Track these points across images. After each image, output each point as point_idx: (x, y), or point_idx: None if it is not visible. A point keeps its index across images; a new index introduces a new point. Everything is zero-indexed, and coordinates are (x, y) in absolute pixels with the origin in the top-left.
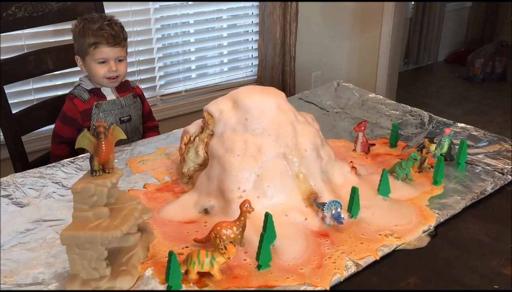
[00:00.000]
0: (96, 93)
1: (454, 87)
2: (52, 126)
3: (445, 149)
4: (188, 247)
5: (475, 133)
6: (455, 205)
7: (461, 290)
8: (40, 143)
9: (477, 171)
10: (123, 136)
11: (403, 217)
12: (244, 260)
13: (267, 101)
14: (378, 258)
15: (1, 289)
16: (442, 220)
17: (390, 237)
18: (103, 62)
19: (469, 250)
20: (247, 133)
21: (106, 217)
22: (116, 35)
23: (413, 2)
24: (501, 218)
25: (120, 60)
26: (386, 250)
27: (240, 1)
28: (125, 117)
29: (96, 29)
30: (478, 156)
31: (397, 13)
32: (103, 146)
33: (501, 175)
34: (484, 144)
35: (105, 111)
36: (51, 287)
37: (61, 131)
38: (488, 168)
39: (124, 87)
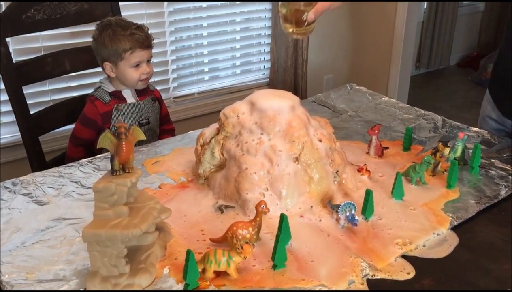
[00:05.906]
0: (117, 96)
1: (466, 91)
2: (68, 127)
3: (458, 153)
4: (202, 249)
5: (488, 137)
6: (469, 209)
7: (475, 290)
8: (56, 143)
9: (491, 175)
10: (142, 137)
11: (418, 221)
12: (254, 262)
13: (282, 104)
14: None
15: (24, 283)
16: (456, 223)
17: (405, 246)
18: (136, 65)
19: (482, 254)
20: (263, 135)
21: (126, 216)
22: (148, 37)
23: (425, 6)
24: None
25: (148, 61)
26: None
27: (255, 1)
28: (143, 121)
29: (130, 34)
30: (491, 160)
31: (410, 16)
32: (124, 146)
33: None
34: (497, 148)
35: (125, 115)
36: (71, 284)
37: (80, 133)
38: (501, 172)
39: (144, 91)
